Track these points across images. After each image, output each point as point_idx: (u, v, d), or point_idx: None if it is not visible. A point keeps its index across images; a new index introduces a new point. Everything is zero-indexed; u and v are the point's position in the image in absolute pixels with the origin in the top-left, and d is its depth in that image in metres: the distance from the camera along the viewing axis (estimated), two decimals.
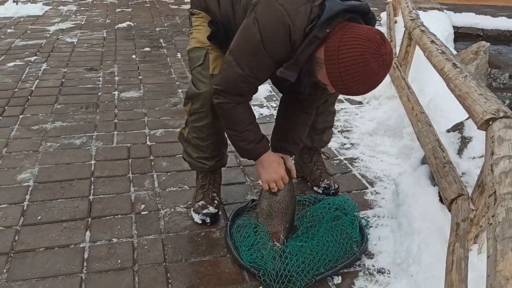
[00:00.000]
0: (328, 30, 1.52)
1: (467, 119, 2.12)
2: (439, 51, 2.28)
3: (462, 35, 6.69)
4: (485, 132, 1.52)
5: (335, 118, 2.37)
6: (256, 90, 1.78)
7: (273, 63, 1.61)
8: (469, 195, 1.64)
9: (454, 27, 6.18)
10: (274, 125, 2.02)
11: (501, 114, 1.49)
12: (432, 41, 2.50)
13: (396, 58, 3.37)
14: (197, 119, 1.93)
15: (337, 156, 2.71)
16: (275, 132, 1.99)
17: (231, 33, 1.84)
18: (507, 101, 4.95)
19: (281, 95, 2.04)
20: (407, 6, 3.66)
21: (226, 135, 1.98)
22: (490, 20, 7.23)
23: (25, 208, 2.15)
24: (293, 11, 1.54)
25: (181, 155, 2.18)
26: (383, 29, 4.79)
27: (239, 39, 1.67)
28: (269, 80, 1.92)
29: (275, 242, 1.83)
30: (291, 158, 2.02)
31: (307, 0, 1.55)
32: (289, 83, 1.70)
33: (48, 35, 5.45)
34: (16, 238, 1.94)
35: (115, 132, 2.95)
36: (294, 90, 1.78)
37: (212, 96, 1.77)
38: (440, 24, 5.36)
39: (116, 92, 3.64)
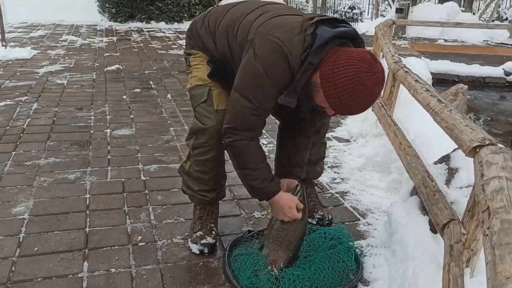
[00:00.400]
0: (321, 56, 1.63)
1: (453, 151, 2.23)
2: (424, 89, 2.43)
3: (440, 81, 7.01)
4: (472, 159, 1.62)
5: None
6: (264, 123, 1.84)
7: (277, 91, 1.70)
8: (460, 220, 1.72)
9: (431, 73, 6.47)
10: (275, 154, 2.09)
11: (487, 142, 1.59)
12: (416, 80, 2.66)
13: (381, 99, 3.53)
14: (201, 153, 1.98)
15: (329, 190, 2.78)
16: (278, 159, 2.05)
17: (229, 67, 1.94)
18: None
19: (272, 132, 2.11)
20: (389, 51, 3.87)
21: (224, 170, 2.01)
22: (464, 67, 7.64)
23: (21, 239, 2.14)
24: (288, 42, 1.65)
25: (177, 189, 2.21)
26: None
27: (242, 75, 1.75)
28: None
29: (273, 268, 1.86)
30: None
31: (299, 30, 1.67)
32: (289, 110, 1.79)
33: (37, 77, 5.51)
34: (13, 268, 1.93)
35: (109, 168, 2.98)
36: (294, 116, 1.87)
37: (222, 136, 1.82)
38: (419, 69, 5.61)
39: (108, 130, 3.69)
